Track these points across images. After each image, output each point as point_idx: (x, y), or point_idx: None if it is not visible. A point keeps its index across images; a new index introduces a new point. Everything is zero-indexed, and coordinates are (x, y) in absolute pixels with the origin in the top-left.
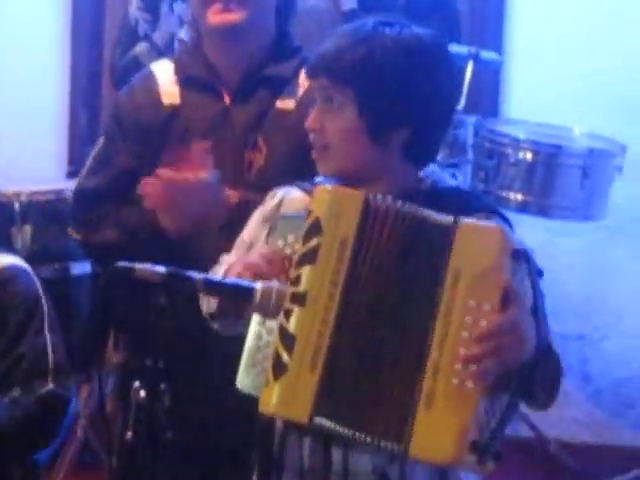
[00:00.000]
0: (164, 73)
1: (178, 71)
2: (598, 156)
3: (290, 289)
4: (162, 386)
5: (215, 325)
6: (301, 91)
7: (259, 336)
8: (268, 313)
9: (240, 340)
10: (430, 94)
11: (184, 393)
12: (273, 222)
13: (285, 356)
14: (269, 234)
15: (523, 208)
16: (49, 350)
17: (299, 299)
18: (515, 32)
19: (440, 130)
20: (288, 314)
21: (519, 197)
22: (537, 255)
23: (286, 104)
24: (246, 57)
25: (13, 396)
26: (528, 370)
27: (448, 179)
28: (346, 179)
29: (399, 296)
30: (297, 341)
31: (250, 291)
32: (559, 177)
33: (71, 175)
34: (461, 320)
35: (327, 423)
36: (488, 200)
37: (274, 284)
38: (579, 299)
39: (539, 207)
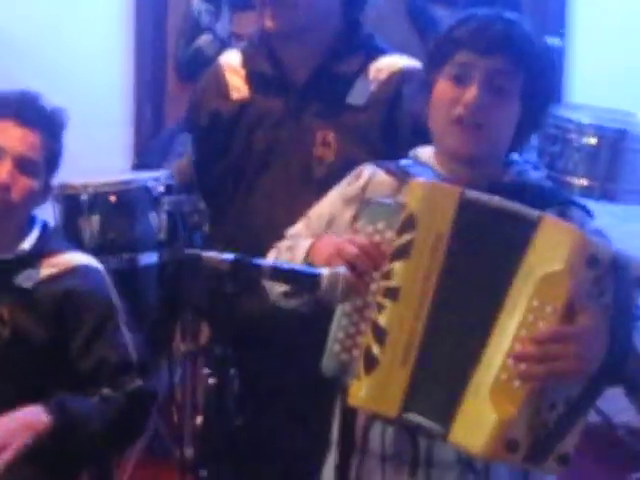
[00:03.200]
0: (232, 66)
1: (245, 64)
2: None
3: (382, 283)
4: (231, 372)
5: (291, 303)
6: (373, 85)
7: (347, 318)
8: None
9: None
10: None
11: (260, 379)
12: (359, 205)
13: (376, 350)
14: (355, 217)
15: (588, 193)
16: (130, 347)
17: (392, 294)
18: (577, 17)
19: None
20: (381, 308)
21: (584, 182)
22: None
23: (356, 99)
24: (312, 53)
25: (103, 394)
26: (595, 384)
27: (531, 171)
28: (472, 163)
29: (495, 298)
30: (389, 336)
31: (317, 277)
32: (624, 161)
33: (137, 167)
34: (523, 317)
35: (416, 418)
36: (567, 194)
37: (341, 270)
38: None
39: (604, 192)
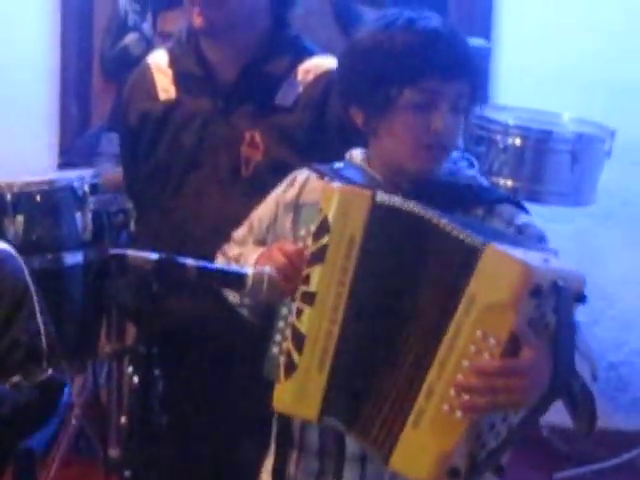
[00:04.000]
0: (160, 67)
1: (172, 64)
2: (587, 141)
3: (301, 288)
4: (156, 372)
5: (243, 312)
6: (300, 87)
7: (283, 321)
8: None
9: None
10: None
11: (186, 379)
12: (296, 210)
13: (295, 355)
14: (293, 223)
15: (513, 194)
16: (42, 333)
17: (309, 299)
18: (503, 17)
19: None
20: (299, 313)
21: (509, 183)
22: None
23: (284, 101)
24: (240, 53)
25: (14, 382)
26: (537, 408)
27: (466, 169)
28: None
29: (407, 303)
30: (306, 341)
31: (242, 277)
32: (549, 163)
33: (62, 166)
34: (465, 348)
35: (334, 423)
36: (501, 193)
37: (266, 269)
38: None
39: (529, 193)
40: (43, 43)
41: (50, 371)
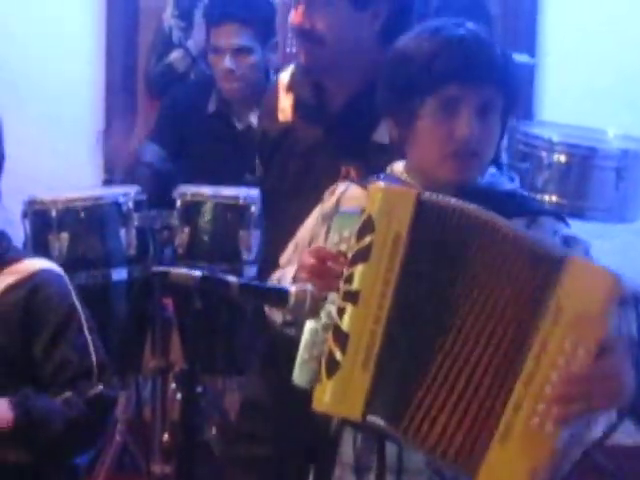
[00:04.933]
0: (283, 87)
1: (291, 88)
2: (633, 157)
3: (343, 287)
4: (198, 389)
5: (290, 332)
6: None
7: (315, 332)
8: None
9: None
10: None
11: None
12: (332, 219)
13: (338, 354)
14: (327, 231)
15: (557, 211)
16: (91, 350)
17: (352, 297)
18: (548, 34)
19: None
20: (341, 312)
21: (553, 199)
22: None
23: (382, 137)
24: (349, 86)
25: (65, 397)
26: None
27: (506, 182)
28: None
29: (456, 304)
30: (350, 339)
31: (284, 294)
32: (593, 179)
33: (107, 183)
34: (554, 360)
35: (379, 422)
36: (543, 204)
37: (308, 287)
38: None
39: (573, 209)
40: (88, 60)
41: (100, 387)
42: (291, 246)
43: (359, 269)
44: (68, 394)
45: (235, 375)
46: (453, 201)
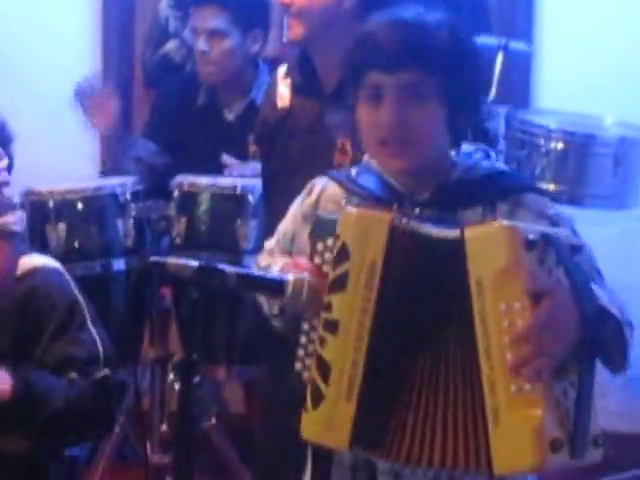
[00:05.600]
0: (281, 74)
1: (289, 74)
2: (630, 144)
3: (323, 314)
4: (196, 379)
5: (277, 323)
6: None
7: (304, 335)
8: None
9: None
10: (481, 74)
11: None
12: (312, 221)
13: (322, 385)
14: (311, 235)
15: (555, 198)
16: (98, 342)
17: (332, 327)
18: (544, 21)
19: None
20: (322, 342)
21: (551, 187)
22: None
23: None
24: (338, 62)
25: (70, 377)
26: (585, 345)
27: (483, 161)
28: (415, 173)
29: (430, 318)
30: (332, 370)
31: (282, 283)
32: (591, 166)
33: (103, 174)
34: (498, 326)
35: (366, 454)
36: (522, 178)
37: (305, 276)
38: (615, 288)
39: (572, 197)
40: (84, 51)
41: (106, 370)
42: (274, 236)
43: (337, 298)
44: (73, 375)
45: (237, 365)
46: (424, 226)
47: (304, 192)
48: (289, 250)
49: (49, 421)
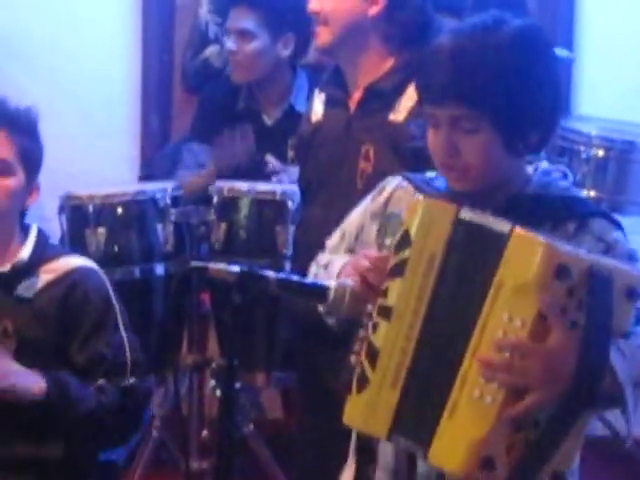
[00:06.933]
0: (317, 91)
1: (323, 88)
2: None
3: (379, 301)
4: (237, 385)
5: (330, 321)
6: (410, 102)
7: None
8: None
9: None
10: (547, 85)
11: None
12: (382, 219)
13: (369, 370)
14: (379, 232)
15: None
16: (126, 347)
17: (386, 313)
18: (586, 28)
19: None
20: (375, 327)
21: (592, 194)
22: None
23: (397, 116)
24: (362, 71)
25: (98, 384)
26: (569, 402)
27: (560, 180)
28: (482, 192)
29: (465, 311)
30: (380, 356)
31: (323, 290)
32: (632, 173)
33: (144, 179)
34: (493, 332)
35: (403, 441)
36: (596, 205)
37: (348, 282)
38: None
39: (612, 204)
40: (125, 57)
41: (133, 379)
42: (338, 232)
43: (395, 284)
44: (102, 382)
45: (276, 370)
46: (491, 219)
47: (375, 191)
48: (353, 247)
49: (80, 424)
